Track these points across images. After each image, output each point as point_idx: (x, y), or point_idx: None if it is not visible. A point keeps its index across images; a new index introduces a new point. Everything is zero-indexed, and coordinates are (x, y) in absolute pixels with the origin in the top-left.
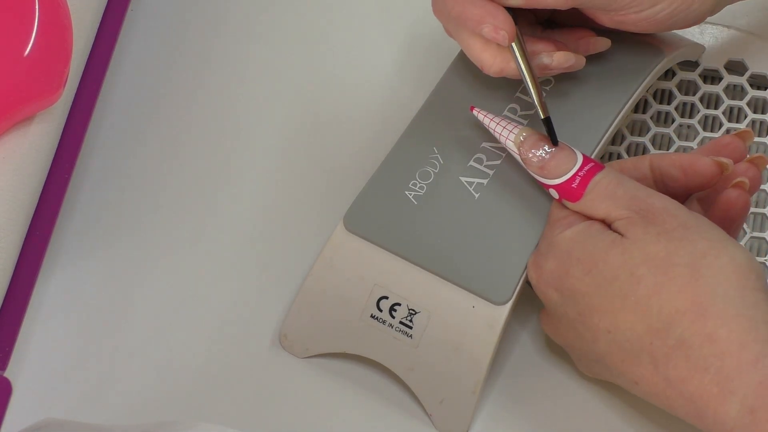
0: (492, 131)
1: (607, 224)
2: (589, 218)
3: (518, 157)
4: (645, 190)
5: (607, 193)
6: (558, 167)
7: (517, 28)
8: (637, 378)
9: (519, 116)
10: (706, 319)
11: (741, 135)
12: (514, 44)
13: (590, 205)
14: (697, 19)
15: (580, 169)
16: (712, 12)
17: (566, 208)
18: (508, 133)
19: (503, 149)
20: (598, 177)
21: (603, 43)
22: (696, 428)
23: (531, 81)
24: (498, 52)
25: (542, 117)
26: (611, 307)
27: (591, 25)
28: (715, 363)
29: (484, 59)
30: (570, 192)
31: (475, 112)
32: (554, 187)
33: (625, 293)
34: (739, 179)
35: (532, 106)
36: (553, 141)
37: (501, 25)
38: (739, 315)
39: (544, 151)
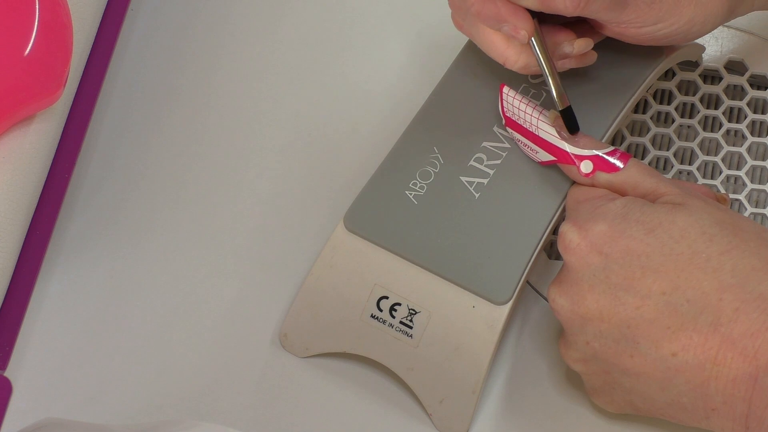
0: (526, 106)
1: (650, 200)
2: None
3: (550, 132)
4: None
5: (650, 171)
6: (589, 143)
7: (535, 21)
8: (679, 348)
9: None
10: None
11: (718, 198)
12: (533, 38)
13: (637, 177)
14: (696, 38)
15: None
16: (713, 29)
17: (595, 188)
18: (542, 109)
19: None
20: (634, 159)
21: (585, 44)
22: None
23: (550, 73)
24: (522, 49)
25: (560, 108)
26: (674, 267)
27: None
28: None
29: (508, 55)
30: (615, 161)
31: (505, 90)
32: (594, 157)
33: (694, 250)
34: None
35: None
36: (574, 129)
37: (520, 25)
38: None
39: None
